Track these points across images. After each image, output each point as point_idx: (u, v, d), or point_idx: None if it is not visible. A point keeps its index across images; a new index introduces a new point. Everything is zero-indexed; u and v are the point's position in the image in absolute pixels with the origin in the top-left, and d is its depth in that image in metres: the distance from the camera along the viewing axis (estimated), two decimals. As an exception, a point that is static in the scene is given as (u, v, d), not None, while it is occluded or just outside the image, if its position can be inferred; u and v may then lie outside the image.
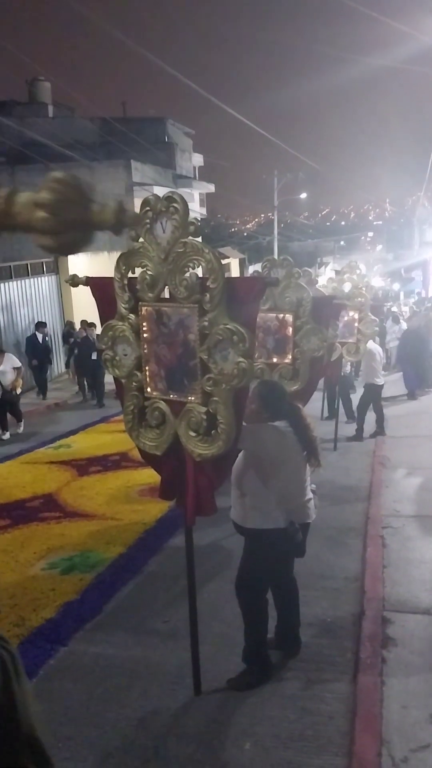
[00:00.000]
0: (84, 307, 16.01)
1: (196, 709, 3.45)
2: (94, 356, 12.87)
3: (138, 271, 3.16)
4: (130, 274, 3.19)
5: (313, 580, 4.94)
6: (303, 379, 5.51)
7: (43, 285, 16.24)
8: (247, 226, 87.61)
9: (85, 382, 13.70)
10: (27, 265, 15.78)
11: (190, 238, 2.94)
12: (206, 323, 2.95)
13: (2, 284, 14.67)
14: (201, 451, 3.10)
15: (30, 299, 15.60)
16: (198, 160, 29.01)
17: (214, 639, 4.05)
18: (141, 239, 3.06)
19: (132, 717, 3.40)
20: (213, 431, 3.06)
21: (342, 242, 58.02)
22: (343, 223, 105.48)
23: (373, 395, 9.64)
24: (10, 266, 15.20)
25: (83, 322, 13.94)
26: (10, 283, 15.00)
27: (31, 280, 15.79)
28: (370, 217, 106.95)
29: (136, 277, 3.19)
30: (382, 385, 9.75)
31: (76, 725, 3.35)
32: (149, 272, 3.08)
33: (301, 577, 4.97)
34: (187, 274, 2.95)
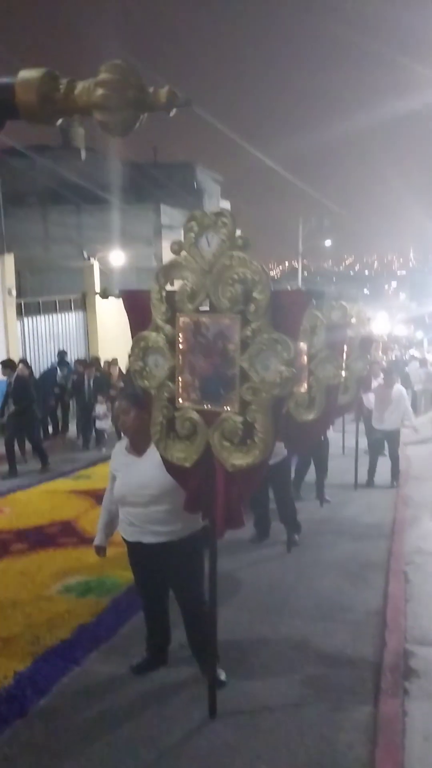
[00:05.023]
0: (109, 343, 16.25)
1: (211, 731, 3.35)
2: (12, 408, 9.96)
3: (176, 283, 3.19)
4: (168, 287, 3.23)
5: (333, 613, 4.85)
6: (319, 407, 5.48)
7: (71, 321, 16.52)
8: (272, 273, 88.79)
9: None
10: (55, 301, 16.10)
11: (237, 252, 2.97)
12: (249, 333, 2.98)
13: (30, 318, 14.96)
14: (236, 461, 3.09)
15: (57, 334, 15.86)
16: (225, 206, 29.67)
17: (230, 664, 3.96)
18: (183, 252, 3.11)
19: (145, 736, 3.31)
20: (248, 441, 3.05)
21: (366, 290, 58.41)
22: (366, 272, 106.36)
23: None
24: (39, 301, 15.53)
25: (7, 362, 10.51)
26: (38, 317, 15.30)
27: (59, 315, 16.09)
28: (394, 267, 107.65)
29: (173, 290, 3.23)
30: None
31: (87, 742, 3.27)
32: (190, 284, 3.12)
33: (322, 609, 4.92)
34: (234, 286, 2.97)
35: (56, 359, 13.98)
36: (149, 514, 3.66)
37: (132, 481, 3.70)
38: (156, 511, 3.64)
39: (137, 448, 3.76)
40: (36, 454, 10.40)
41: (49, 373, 13.05)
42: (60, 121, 1.39)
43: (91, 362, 13.22)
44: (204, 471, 3.28)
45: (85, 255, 17.83)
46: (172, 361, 3.26)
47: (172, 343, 3.25)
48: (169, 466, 3.43)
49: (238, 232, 3.03)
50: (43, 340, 15.27)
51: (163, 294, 3.23)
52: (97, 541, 4.15)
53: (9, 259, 13.98)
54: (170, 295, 3.23)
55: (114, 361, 13.44)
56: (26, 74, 1.32)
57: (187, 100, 1.37)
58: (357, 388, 7.08)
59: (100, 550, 4.15)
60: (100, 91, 1.33)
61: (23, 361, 12.32)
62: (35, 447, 10.41)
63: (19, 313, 14.55)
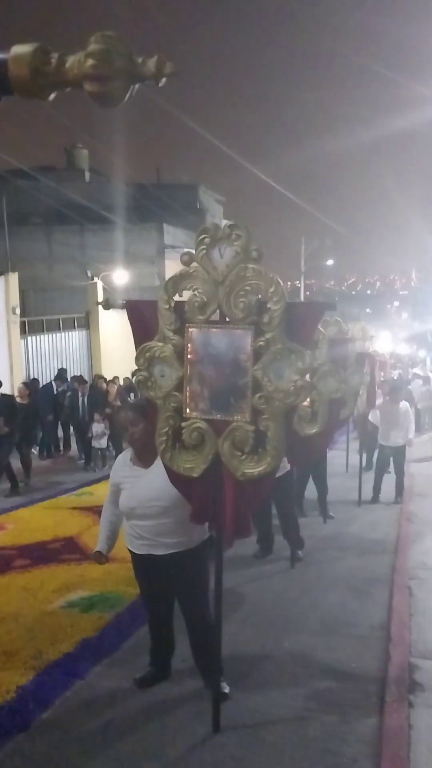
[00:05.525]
0: (113, 361, 16.32)
1: (215, 745, 3.32)
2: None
3: (185, 294, 3.21)
4: (176, 297, 3.24)
5: (337, 627, 4.83)
6: (322, 421, 5.47)
7: (74, 339, 16.62)
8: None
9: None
10: (59, 319, 16.21)
11: (252, 264, 3.00)
12: (263, 343, 3.01)
13: (34, 337, 15.05)
14: (247, 469, 3.09)
15: (60, 352, 15.95)
16: (227, 226, 29.88)
17: (234, 677, 3.93)
18: (195, 264, 3.13)
19: (148, 750, 3.28)
20: (260, 449, 3.07)
21: (368, 309, 58.58)
22: (369, 291, 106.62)
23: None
24: (42, 320, 15.63)
25: None
26: (42, 336, 15.39)
27: (63, 334, 16.19)
28: (396, 286, 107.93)
29: (182, 300, 3.24)
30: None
31: (89, 755, 3.24)
32: (201, 295, 3.14)
33: (326, 624, 4.90)
34: (247, 298, 3.00)
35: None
36: (159, 525, 3.64)
37: (140, 493, 3.67)
38: (166, 522, 3.63)
39: (144, 460, 3.76)
40: None
41: (46, 389, 12.96)
42: (53, 95, 1.42)
43: (87, 379, 13.16)
44: (211, 481, 3.27)
45: (89, 274, 17.98)
46: (180, 370, 3.25)
47: (180, 353, 3.24)
48: (174, 477, 3.40)
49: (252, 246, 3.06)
50: (46, 358, 15.37)
51: (172, 304, 3.25)
52: (98, 547, 3.98)
53: (13, 278, 14.11)
54: (178, 305, 3.25)
55: (114, 379, 13.44)
56: (18, 49, 1.36)
57: (176, 70, 1.39)
58: (355, 402, 7.07)
59: (102, 557, 3.97)
60: (90, 62, 1.35)
61: (33, 380, 12.34)
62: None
63: (23, 331, 14.66)
